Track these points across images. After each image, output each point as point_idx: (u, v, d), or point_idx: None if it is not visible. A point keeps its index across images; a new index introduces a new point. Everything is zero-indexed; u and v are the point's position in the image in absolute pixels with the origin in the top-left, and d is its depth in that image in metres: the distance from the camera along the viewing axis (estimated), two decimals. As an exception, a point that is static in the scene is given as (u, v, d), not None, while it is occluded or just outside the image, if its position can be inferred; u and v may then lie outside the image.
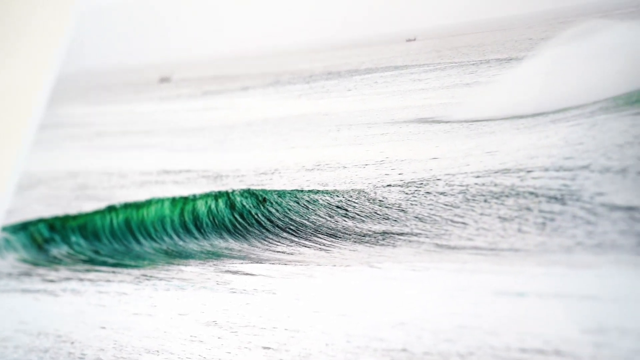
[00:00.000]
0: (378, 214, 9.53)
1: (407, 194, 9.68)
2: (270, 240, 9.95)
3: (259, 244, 9.97)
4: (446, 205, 9.15)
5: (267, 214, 10.50)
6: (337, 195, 10.11)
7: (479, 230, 8.48)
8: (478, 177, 9.57)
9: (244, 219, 10.61)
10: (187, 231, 10.83)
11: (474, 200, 9.12)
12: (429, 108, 12.85)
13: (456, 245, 8.43)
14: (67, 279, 9.72)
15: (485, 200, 9.01)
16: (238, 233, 10.43)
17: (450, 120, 13.29)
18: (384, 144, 11.94)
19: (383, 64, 15.52)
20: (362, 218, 9.63)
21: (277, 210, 10.47)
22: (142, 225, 11.19)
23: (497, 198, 8.98)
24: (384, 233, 9.11)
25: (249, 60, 18.24)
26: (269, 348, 7.32)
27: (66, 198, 12.49)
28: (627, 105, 11.27)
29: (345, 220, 9.67)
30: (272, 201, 10.61)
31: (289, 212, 10.36)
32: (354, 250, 8.97)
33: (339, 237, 9.27)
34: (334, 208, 9.99)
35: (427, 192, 9.54)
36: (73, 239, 10.73)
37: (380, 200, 9.68)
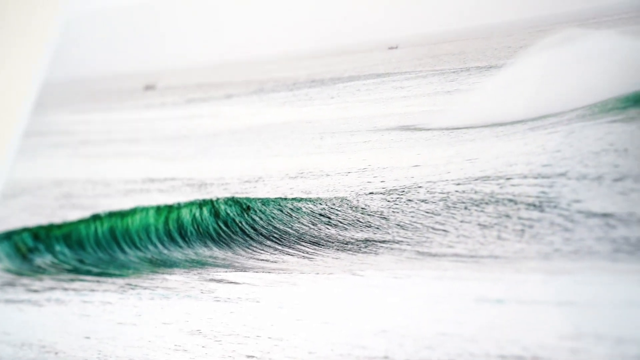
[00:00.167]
0: (360, 222, 9.55)
1: (389, 201, 9.72)
2: (254, 249, 9.93)
3: (243, 252, 9.95)
4: (427, 212, 9.20)
5: (251, 222, 10.48)
6: (320, 203, 10.12)
7: (460, 238, 8.54)
8: (459, 184, 9.64)
9: (228, 227, 10.58)
10: (172, 240, 10.77)
11: (454, 207, 9.18)
12: (411, 115, 12.92)
13: (437, 252, 8.47)
14: (51, 288, 9.64)
15: (466, 208, 9.07)
16: (222, 241, 10.39)
17: (432, 128, 13.36)
18: (366, 152, 11.99)
19: (365, 71, 15.59)
20: (345, 226, 9.64)
21: (260, 219, 10.46)
22: (127, 233, 11.11)
23: (477, 205, 9.04)
24: (366, 241, 9.13)
25: (233, 68, 18.26)
26: (252, 357, 7.31)
27: (50, 207, 12.42)
28: (603, 113, 11.41)
29: (328, 228, 9.68)
30: (256, 209, 10.59)
31: (272, 220, 10.34)
32: (336, 258, 8.98)
33: (322, 245, 9.28)
34: (317, 216, 10.00)
35: (409, 200, 9.59)
36: (57, 248, 10.63)
37: (362, 208, 9.71)
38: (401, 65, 16.93)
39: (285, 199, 11.01)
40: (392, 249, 8.91)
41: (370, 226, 9.67)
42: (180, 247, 10.64)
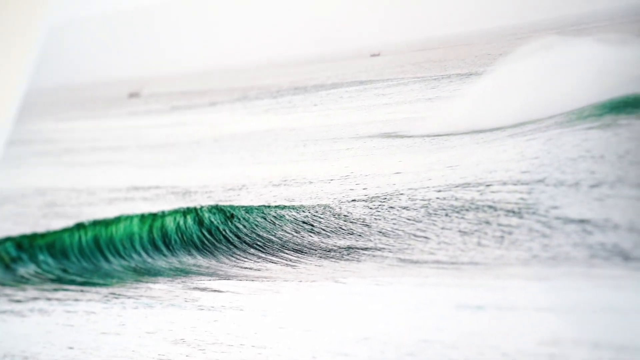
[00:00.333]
0: (343, 229, 9.57)
1: (371, 208, 9.75)
2: (238, 257, 9.91)
3: (226, 261, 9.93)
4: (409, 219, 9.24)
5: (235, 230, 10.47)
6: (304, 211, 10.13)
7: (441, 245, 8.58)
8: (440, 191, 9.69)
9: (212, 235, 10.56)
10: (156, 248, 10.73)
11: (435, 214, 9.23)
12: (393, 123, 12.98)
13: (418, 259, 8.51)
14: (35, 298, 9.55)
15: (447, 215, 9.12)
16: (206, 249, 10.37)
17: (413, 135, 13.44)
18: (349, 159, 12.02)
19: (348, 78, 15.62)
20: (328, 233, 9.66)
21: (244, 226, 10.45)
22: (111, 242, 11.05)
23: (457, 212, 9.10)
24: (348, 248, 9.15)
25: (217, 75, 18.18)
26: (236, 366, 7.27)
27: (34, 216, 12.28)
28: (580, 120, 11.54)
29: (311, 236, 9.69)
30: (239, 217, 10.58)
31: (256, 227, 10.35)
32: (319, 266, 9.00)
33: (305, 253, 9.29)
34: (300, 223, 10.01)
35: (391, 207, 9.63)
36: (41, 257, 10.55)
37: (345, 215, 9.73)
38: (383, 73, 16.92)
39: (269, 206, 11.01)
40: (374, 256, 8.94)
41: (352, 233, 9.70)
42: (165, 255, 10.60)
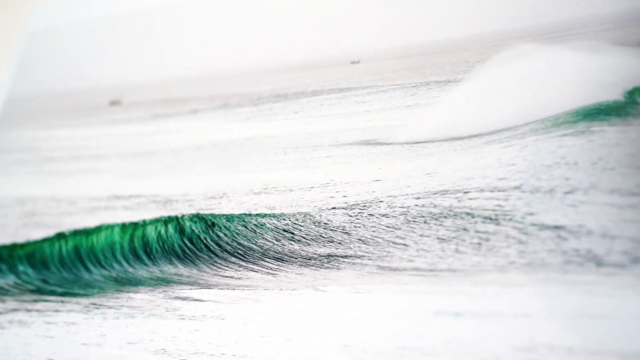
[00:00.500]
0: (323, 237, 9.60)
1: (351, 216, 9.79)
2: (219, 265, 9.90)
3: (207, 269, 9.90)
4: (388, 227, 9.29)
5: (216, 238, 10.46)
6: (284, 219, 10.14)
7: (419, 252, 8.64)
8: (418, 198, 9.76)
9: (193, 244, 10.53)
10: (137, 257, 10.67)
11: (414, 221, 9.29)
12: (372, 130, 13.06)
13: (397, 266, 8.56)
14: (14, 310, 9.44)
15: (425, 222, 9.18)
16: (187, 258, 10.34)
17: (392, 142, 13.54)
18: (329, 167, 12.06)
19: (328, 86, 15.67)
20: (308, 241, 9.68)
21: (225, 235, 10.44)
22: (92, 252, 10.97)
23: (436, 219, 9.17)
24: (328, 256, 9.18)
25: (198, 82, 18.12)
26: (216, 375, 7.25)
27: (13, 226, 12.14)
28: (555, 126, 11.71)
29: (291, 244, 9.70)
30: (220, 225, 10.56)
31: (237, 236, 10.34)
32: (299, 274, 9.01)
33: (286, 261, 9.30)
34: (281, 232, 10.02)
35: (370, 214, 9.68)
36: (20, 268, 10.43)
37: (325, 223, 9.75)
38: (363, 80, 16.99)
39: (250, 214, 11.00)
40: (354, 263, 8.97)
41: (332, 241, 9.73)
42: (146, 265, 10.54)
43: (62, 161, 15.17)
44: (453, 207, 9.65)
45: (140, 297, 9.37)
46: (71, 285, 10.07)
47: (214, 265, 10.14)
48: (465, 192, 9.66)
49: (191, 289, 9.47)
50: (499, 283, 7.79)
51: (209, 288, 9.30)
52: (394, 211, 9.95)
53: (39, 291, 9.95)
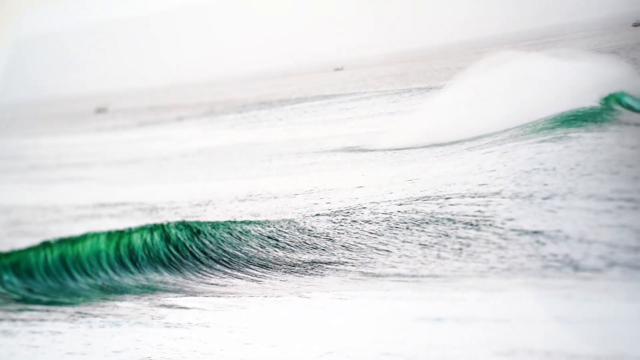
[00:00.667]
0: (307, 244, 9.60)
1: (334, 222, 9.81)
2: (204, 273, 9.87)
3: (193, 277, 9.87)
4: (371, 233, 9.32)
5: (201, 245, 10.42)
6: (269, 226, 10.14)
7: (402, 258, 8.67)
8: (401, 204, 9.81)
9: (179, 252, 10.48)
10: (123, 265, 10.60)
11: (397, 227, 9.33)
12: (356, 137, 13.13)
13: (380, 272, 8.59)
14: None
15: (408, 228, 9.22)
16: (173, 266, 10.29)
17: (375, 149, 13.60)
18: (313, 174, 12.08)
19: (313, 93, 15.70)
20: (292, 248, 9.68)
21: (210, 242, 10.41)
22: (78, 260, 10.88)
23: (418, 225, 9.21)
24: (312, 262, 9.18)
25: (184, 89, 18.02)
26: (201, 383, 7.23)
27: (-1, 235, 12.02)
28: (534, 132, 11.84)
29: (276, 251, 9.70)
30: (206, 233, 10.53)
31: (222, 243, 10.31)
32: (284, 281, 9.01)
33: (270, 268, 9.29)
34: (266, 238, 10.01)
35: (354, 221, 9.71)
36: (5, 277, 10.32)
37: (309, 230, 9.76)
38: (347, 87, 17.07)
39: (235, 222, 10.97)
40: (337, 270, 8.99)
41: (316, 248, 9.74)
42: (132, 272, 10.48)
43: (48, 169, 15.06)
44: (435, 213, 9.71)
45: (126, 305, 9.31)
46: (57, 294, 9.98)
47: (199, 272, 10.11)
48: (447, 198, 9.72)
49: (177, 297, 9.42)
50: (480, 288, 7.84)
51: (195, 295, 9.27)
52: (377, 217, 9.99)
53: (24, 300, 9.85)
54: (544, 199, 9.00)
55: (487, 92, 13.68)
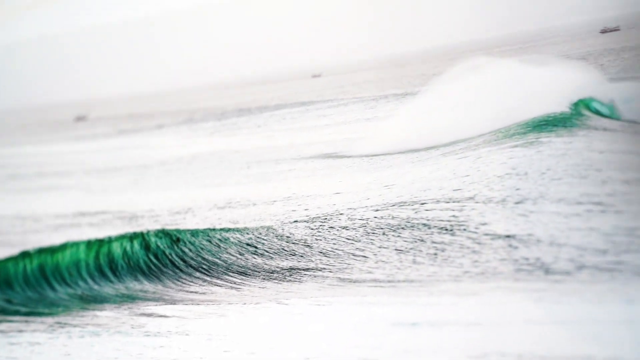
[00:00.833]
0: (285, 250, 9.60)
1: (312, 229, 9.82)
2: (184, 281, 9.81)
3: (172, 285, 9.81)
4: (348, 239, 9.34)
5: (181, 253, 10.37)
6: (247, 233, 10.11)
7: (378, 263, 8.71)
8: (377, 210, 9.85)
9: (159, 260, 10.41)
10: (103, 275, 10.50)
11: (373, 233, 9.36)
12: (333, 143, 13.16)
13: (357, 278, 8.62)
14: (-23, 332, 9.17)
15: (384, 233, 9.27)
16: (153, 274, 10.22)
17: (352, 155, 13.64)
18: (291, 180, 12.09)
19: (291, 99, 15.70)
20: (271, 255, 9.67)
21: (190, 250, 10.36)
22: (57, 270, 10.76)
23: (394, 231, 9.26)
24: (291, 269, 9.18)
25: (164, 97, 17.92)
26: (181, 392, 7.19)
27: (-23, 245, 11.84)
28: (506, 138, 11.96)
29: (254, 258, 9.68)
30: (185, 241, 10.47)
31: (201, 251, 10.27)
32: (263, 288, 9.00)
33: (249, 275, 9.27)
34: (245, 246, 9.99)
35: (331, 227, 9.72)
36: (-16, 288, 10.14)
37: (287, 237, 9.75)
38: (324, 93, 17.14)
39: (214, 229, 10.93)
40: (315, 276, 9.00)
41: (294, 254, 9.74)
42: (111, 281, 10.39)
43: (27, 178, 14.87)
44: (410, 219, 9.76)
45: (106, 315, 9.23)
46: (36, 304, 9.86)
47: (178, 280, 10.05)
48: (422, 204, 9.78)
49: (156, 305, 9.36)
50: (454, 292, 7.90)
51: (174, 304, 9.21)
52: (354, 223, 10.02)
53: (3, 311, 9.71)
54: (516, 203, 9.10)
55: (462, 98, 13.80)
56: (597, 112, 16.07)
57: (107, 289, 10.28)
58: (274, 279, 9.23)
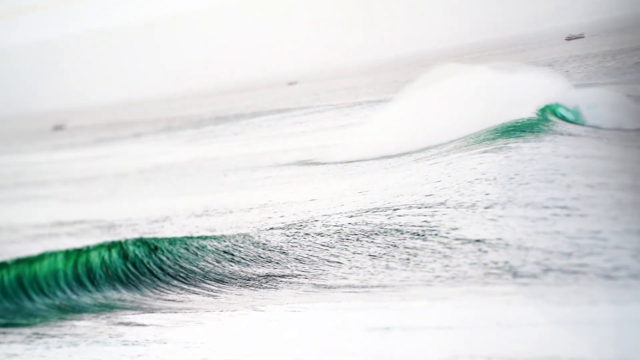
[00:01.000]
0: (262, 257, 9.60)
1: (288, 236, 9.83)
2: (162, 289, 9.76)
3: (150, 294, 9.75)
4: (323, 245, 9.37)
5: (159, 262, 10.30)
6: (224, 240, 10.09)
7: (352, 269, 8.75)
8: (351, 216, 9.89)
9: (137, 269, 10.34)
10: (81, 284, 10.40)
11: (347, 239, 9.40)
12: (309, 150, 13.19)
13: (332, 284, 8.65)
14: (-46, 344, 9.02)
15: (358, 239, 9.31)
16: (131, 283, 10.15)
17: (327, 162, 13.67)
18: (268, 187, 12.08)
19: (267, 107, 15.71)
20: (247, 262, 9.66)
21: (168, 258, 10.30)
22: (35, 280, 10.63)
23: (368, 236, 9.31)
24: (267, 276, 9.18)
25: (142, 105, 17.80)
26: (158, 401, 7.14)
27: (-46, 257, 11.65)
28: (477, 143, 12.08)
29: (231, 265, 9.66)
30: (163, 249, 10.42)
31: (179, 259, 10.22)
32: (239, 295, 8.99)
33: (226, 282, 9.25)
34: (222, 253, 9.97)
35: (306, 234, 9.74)
36: (-39, 300, 9.98)
37: (263, 244, 9.75)
38: (300, 100, 17.19)
39: (191, 237, 10.88)
40: (290, 282, 9.01)
41: (270, 261, 9.74)
42: (89, 291, 10.29)
43: (4, 188, 14.67)
44: (383, 224, 9.82)
45: (84, 324, 9.14)
46: (13, 315, 9.72)
47: (156, 289, 9.99)
48: (395, 209, 9.85)
49: (134, 314, 9.29)
50: (426, 297, 7.96)
51: (152, 312, 9.15)
52: (329, 230, 10.05)
53: (-20, 324, 9.55)
54: (486, 208, 9.20)
55: (433, 104, 13.92)
56: (563, 118, 16.34)
57: (85, 298, 10.18)
58: (251, 286, 9.22)
